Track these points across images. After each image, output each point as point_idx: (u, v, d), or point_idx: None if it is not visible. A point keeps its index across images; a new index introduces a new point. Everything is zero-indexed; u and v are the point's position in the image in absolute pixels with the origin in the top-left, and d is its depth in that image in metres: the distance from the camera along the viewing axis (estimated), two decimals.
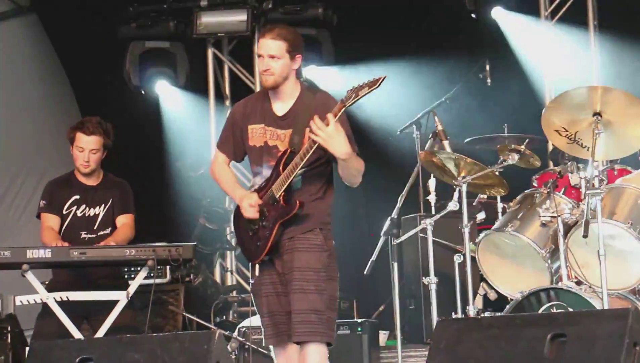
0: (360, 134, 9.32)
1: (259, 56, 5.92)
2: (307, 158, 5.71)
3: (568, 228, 6.80)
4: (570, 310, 6.48)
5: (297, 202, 5.81)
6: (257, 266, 6.03)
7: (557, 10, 10.14)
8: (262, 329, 6.06)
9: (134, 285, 6.81)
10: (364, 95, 5.60)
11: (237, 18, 10.29)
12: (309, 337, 5.83)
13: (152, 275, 6.85)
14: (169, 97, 10.60)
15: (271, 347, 6.09)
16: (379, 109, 9.31)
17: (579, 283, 6.79)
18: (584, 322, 4.85)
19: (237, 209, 6.01)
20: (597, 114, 6.51)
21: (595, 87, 7.06)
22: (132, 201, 7.52)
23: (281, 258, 5.94)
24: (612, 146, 6.67)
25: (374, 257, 7.54)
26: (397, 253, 7.61)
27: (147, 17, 10.36)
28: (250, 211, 5.91)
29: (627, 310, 4.83)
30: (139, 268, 6.82)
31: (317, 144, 5.64)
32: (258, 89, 10.04)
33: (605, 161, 7.68)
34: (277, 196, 5.85)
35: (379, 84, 5.59)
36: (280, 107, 6.00)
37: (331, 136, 5.62)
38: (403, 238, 7.56)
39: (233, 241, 9.44)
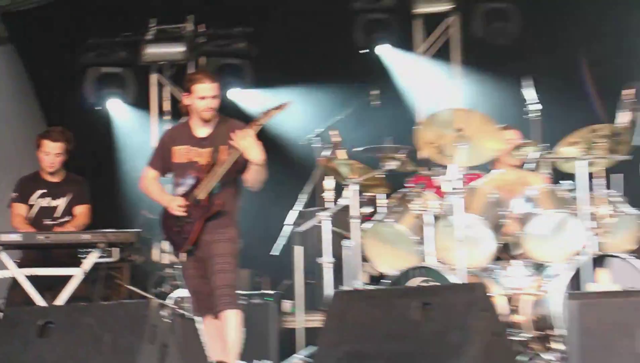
0: (273, 145, 9.39)
1: (203, 98, 6.03)
2: (225, 168, 5.92)
3: (434, 219, 6.86)
4: (435, 284, 6.54)
5: (219, 202, 5.98)
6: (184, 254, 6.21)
7: (430, 48, 10.23)
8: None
9: (88, 263, 6.76)
10: (273, 116, 5.81)
11: (177, 49, 10.25)
12: (230, 306, 5.96)
13: (103, 255, 6.80)
14: (119, 112, 10.51)
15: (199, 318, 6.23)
16: (289, 124, 9.33)
17: (442, 263, 6.86)
18: (445, 293, 4.91)
19: (163, 212, 6.21)
20: (458, 130, 6.57)
21: (458, 109, 7.13)
22: (88, 195, 7.53)
23: (203, 248, 6.10)
24: (470, 155, 6.74)
25: (281, 241, 7.58)
26: (301, 239, 7.64)
27: (103, 47, 10.31)
28: (179, 211, 6.05)
29: (478, 284, 4.93)
30: (92, 249, 6.76)
31: (238, 155, 5.81)
32: None
33: (464, 167, 7.77)
34: (200, 198, 6.04)
35: (285, 108, 5.81)
36: (202, 131, 6.17)
37: (251, 145, 5.79)
38: (305, 227, 7.59)
39: None
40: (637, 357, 4.11)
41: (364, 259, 7.37)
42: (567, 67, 9.37)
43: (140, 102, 10.50)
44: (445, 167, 7.23)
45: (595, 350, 4.18)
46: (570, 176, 6.79)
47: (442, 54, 10.16)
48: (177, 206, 6.09)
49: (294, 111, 9.48)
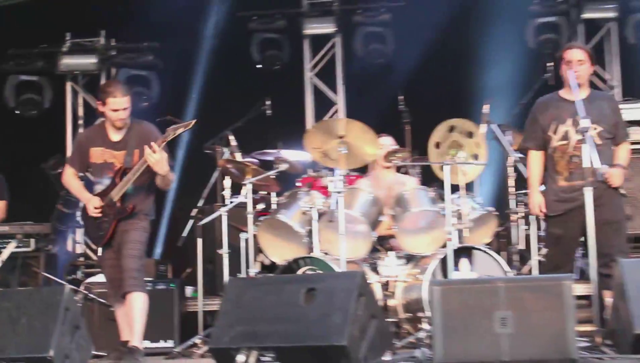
0: (179, 148, 9.31)
1: (115, 110, 5.97)
2: (138, 173, 5.89)
3: (320, 215, 6.88)
4: (320, 272, 6.57)
5: (131, 206, 6.02)
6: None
7: (317, 65, 10.30)
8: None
9: (6, 252, 6.57)
10: (180, 133, 5.86)
11: (89, 61, 10.10)
12: (136, 289, 5.92)
13: (20, 245, 6.62)
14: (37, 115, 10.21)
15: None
16: (194, 131, 9.25)
17: (326, 253, 6.89)
18: (328, 280, 4.94)
19: (83, 208, 6.15)
20: (341, 137, 6.60)
21: (341, 119, 7.18)
22: (5, 191, 7.29)
23: (117, 236, 6.06)
24: (351, 159, 6.78)
25: (184, 233, 7.51)
26: (203, 232, 7.58)
27: (23, 57, 10.08)
28: (94, 212, 6.06)
29: (357, 272, 4.96)
30: (10, 240, 6.57)
31: (146, 164, 5.84)
32: None
33: (346, 170, 7.84)
34: (115, 200, 6.01)
35: (191, 127, 5.85)
36: (116, 135, 6.12)
37: (157, 160, 5.80)
38: (205, 221, 7.52)
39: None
40: (493, 335, 4.20)
41: (258, 250, 7.36)
42: (436, 83, 9.57)
43: (56, 107, 10.25)
44: (330, 169, 7.28)
45: (456, 330, 4.25)
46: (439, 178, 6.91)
47: (327, 70, 10.26)
48: (93, 208, 6.06)
49: (198, 119, 9.47)
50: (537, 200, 5.96)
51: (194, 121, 5.87)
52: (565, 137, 5.78)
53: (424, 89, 9.45)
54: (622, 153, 5.84)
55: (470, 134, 6.62)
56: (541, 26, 9.57)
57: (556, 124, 5.81)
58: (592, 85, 6.53)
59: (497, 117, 7.61)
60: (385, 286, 6.80)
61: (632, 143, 6.43)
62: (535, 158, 5.99)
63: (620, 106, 6.88)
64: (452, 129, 6.61)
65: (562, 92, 5.91)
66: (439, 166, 6.71)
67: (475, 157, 6.67)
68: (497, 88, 9.02)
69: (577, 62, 5.78)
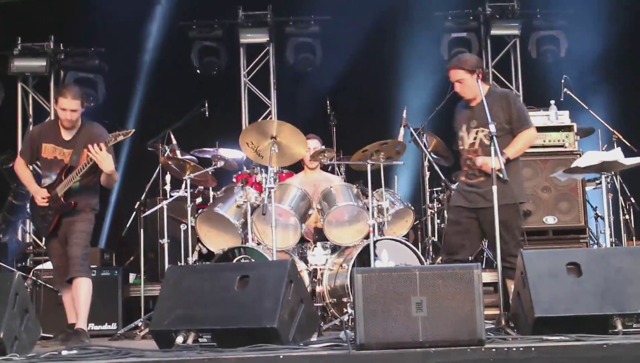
0: (125, 146, 9.17)
1: (64, 110, 5.85)
2: (83, 172, 5.79)
3: (253, 208, 6.85)
4: (253, 260, 6.54)
5: (73, 202, 5.92)
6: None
7: (250, 71, 10.27)
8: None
9: None
10: (120, 140, 5.78)
11: (39, 63, 9.86)
12: (81, 274, 5.84)
13: None
14: None
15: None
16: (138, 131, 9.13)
17: (259, 243, 6.87)
18: (261, 268, 4.91)
19: (32, 198, 6.02)
20: (273, 137, 6.58)
21: (273, 121, 7.13)
22: None
23: (64, 227, 5.96)
24: (282, 158, 6.76)
25: (128, 224, 7.41)
26: (145, 223, 7.50)
27: None
28: (42, 202, 5.94)
29: (287, 260, 4.94)
30: None
31: (92, 162, 5.74)
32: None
33: (278, 167, 7.82)
34: (60, 195, 5.91)
35: (130, 135, 5.80)
36: (67, 134, 6.00)
37: (103, 158, 5.69)
38: (148, 212, 7.43)
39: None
40: (410, 319, 4.23)
41: (196, 240, 7.30)
42: (360, 89, 9.64)
43: (8, 106, 9.99)
44: (263, 167, 7.26)
45: (376, 313, 4.26)
46: (363, 176, 6.94)
47: (261, 76, 10.24)
48: (40, 199, 5.94)
49: (142, 118, 9.35)
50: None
51: (132, 130, 5.84)
52: (462, 142, 5.84)
53: (349, 94, 9.51)
54: (514, 141, 5.69)
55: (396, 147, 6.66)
56: (454, 40, 9.70)
57: (457, 130, 5.89)
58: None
59: (415, 121, 7.69)
60: (313, 273, 6.81)
61: (530, 147, 6.56)
62: None
63: None
64: (384, 144, 6.67)
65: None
66: (361, 165, 6.75)
67: (394, 158, 6.74)
68: (415, 95, 9.11)
69: (456, 82, 5.74)
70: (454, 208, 5.85)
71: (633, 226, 7.77)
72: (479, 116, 5.68)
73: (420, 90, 9.24)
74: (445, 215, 7.77)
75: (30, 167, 6.20)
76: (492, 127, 5.43)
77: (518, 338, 4.58)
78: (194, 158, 8.20)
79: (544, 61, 9.70)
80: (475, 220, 5.72)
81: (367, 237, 6.68)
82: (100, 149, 5.73)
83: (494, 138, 5.43)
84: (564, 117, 6.90)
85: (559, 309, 4.54)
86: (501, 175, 5.38)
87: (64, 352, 4.58)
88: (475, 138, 5.72)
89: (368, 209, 6.57)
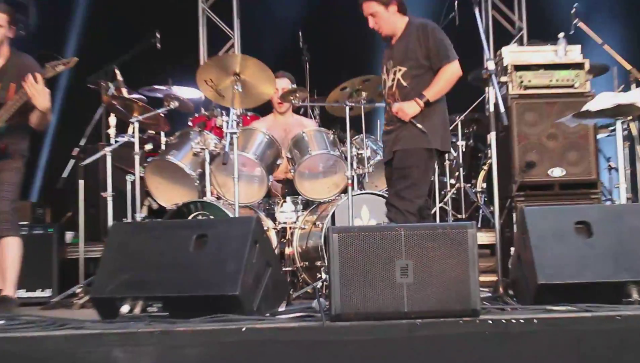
0: (61, 83, 9.03)
1: None
2: (13, 110, 5.66)
3: (213, 157, 6.81)
4: (212, 217, 6.52)
5: (3, 146, 5.78)
6: None
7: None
8: None
9: None
10: (60, 71, 5.66)
11: None
12: (9, 232, 5.77)
13: None
14: None
15: None
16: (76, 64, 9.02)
17: (219, 198, 6.84)
18: (220, 226, 4.88)
19: None
20: (236, 74, 6.51)
21: (236, 55, 7.05)
22: None
23: None
24: (247, 98, 6.70)
25: (64, 174, 7.32)
26: (85, 173, 7.43)
27: None
28: None
29: (251, 217, 4.92)
30: None
31: (25, 99, 5.59)
32: None
33: (242, 109, 7.76)
34: None
35: (72, 65, 5.64)
36: None
37: (39, 92, 5.58)
38: (88, 161, 7.35)
39: None
40: (393, 285, 4.22)
41: (145, 193, 7.24)
42: (338, 18, 9.54)
43: None
44: (224, 108, 7.20)
45: (355, 279, 4.25)
46: (340, 120, 6.89)
47: (223, 1, 10.13)
48: None
49: (82, 50, 9.20)
50: None
51: (75, 59, 5.67)
52: (384, 85, 5.89)
53: (325, 24, 9.41)
54: (435, 80, 5.67)
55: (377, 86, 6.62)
56: None
57: (382, 73, 5.93)
58: (498, 27, 6.42)
59: None
60: (281, 233, 6.81)
61: (534, 88, 6.56)
62: None
63: (523, 49, 6.99)
64: (365, 80, 6.61)
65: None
66: (339, 107, 6.70)
67: (376, 100, 6.70)
68: None
69: (369, 16, 5.75)
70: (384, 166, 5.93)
71: None
72: (396, 54, 5.73)
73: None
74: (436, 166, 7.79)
75: None
76: (491, 64, 5.42)
77: (518, 309, 4.60)
78: (143, 97, 8.09)
79: None
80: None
81: (344, 191, 6.66)
82: (36, 81, 5.58)
83: (407, 78, 5.53)
84: (574, 53, 6.87)
85: (565, 275, 4.56)
86: (419, 126, 5.50)
87: None
88: (393, 80, 5.74)
89: (346, 158, 6.54)
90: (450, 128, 8.32)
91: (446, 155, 7.87)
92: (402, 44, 5.72)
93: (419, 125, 5.56)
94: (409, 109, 5.62)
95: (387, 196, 6.35)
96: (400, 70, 5.70)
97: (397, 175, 5.66)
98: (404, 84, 5.66)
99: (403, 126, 5.66)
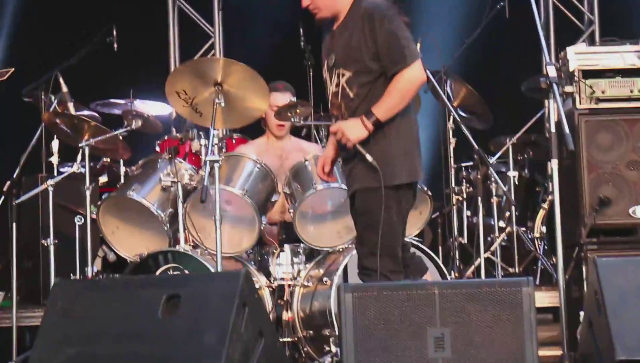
0: None
1: None
2: None
3: (187, 193, 6.84)
4: (186, 272, 6.53)
5: None
6: None
7: None
8: None
9: None
10: None
11: None
12: None
13: None
14: None
15: None
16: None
17: (195, 246, 6.86)
18: (198, 283, 4.91)
19: None
20: (218, 84, 6.56)
21: (218, 59, 7.10)
22: None
23: None
24: (232, 116, 6.74)
25: None
26: (19, 214, 7.46)
27: None
28: None
29: (239, 272, 4.94)
30: None
31: None
32: None
33: (226, 130, 7.81)
34: None
35: (8, 76, 5.67)
36: None
37: None
38: (23, 198, 7.39)
39: None
40: (423, 359, 4.24)
41: (100, 240, 7.27)
42: None
43: None
44: (202, 129, 7.23)
45: (375, 353, 4.28)
46: None
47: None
48: None
49: (14, 52, 9.29)
50: (324, 154, 5.70)
51: (11, 70, 5.74)
52: (326, 89, 5.47)
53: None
54: (387, 91, 5.23)
55: None
56: None
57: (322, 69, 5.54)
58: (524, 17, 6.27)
59: (433, 62, 7.67)
60: (278, 292, 6.82)
61: (609, 100, 6.59)
62: None
63: (595, 50, 7.03)
64: None
65: None
66: None
67: None
68: (433, 21, 9.11)
69: None
70: None
71: None
72: (337, 49, 5.34)
73: (442, 13, 9.25)
74: (479, 203, 7.81)
75: None
76: (552, 70, 5.44)
77: None
78: (95, 114, 8.14)
79: None
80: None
81: None
82: None
83: (354, 87, 5.23)
84: None
85: None
86: (367, 157, 5.18)
87: None
88: (337, 85, 5.35)
89: None
90: (499, 153, 8.47)
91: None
92: (343, 36, 5.31)
93: (367, 156, 5.19)
94: (352, 131, 5.21)
95: (414, 242, 6.38)
96: (343, 74, 5.31)
97: (363, 224, 5.40)
98: (350, 94, 5.28)
99: (357, 155, 5.29)
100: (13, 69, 5.77)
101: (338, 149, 5.51)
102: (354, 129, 5.21)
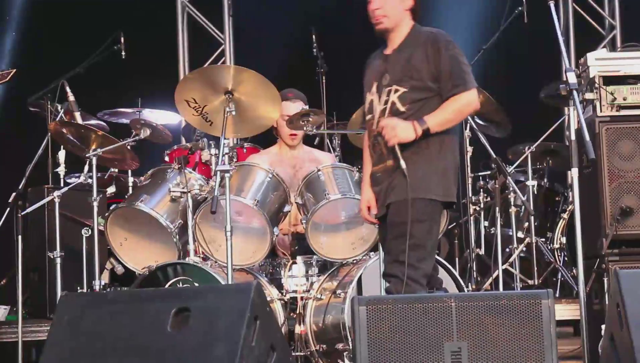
0: None
1: None
2: None
3: (197, 203, 6.84)
4: (196, 284, 6.53)
5: None
6: None
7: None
8: None
9: None
10: None
11: None
12: None
13: None
14: None
15: None
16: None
17: (205, 258, 6.86)
18: (208, 296, 4.90)
19: None
20: (228, 92, 6.57)
21: (229, 66, 7.12)
22: None
23: None
24: (243, 125, 6.75)
25: None
26: (25, 226, 7.46)
27: None
28: None
29: (250, 284, 4.94)
30: None
31: None
32: None
33: (236, 139, 7.82)
34: None
35: (10, 78, 5.69)
36: None
37: None
38: (29, 209, 7.40)
39: None
40: None
41: (108, 252, 7.27)
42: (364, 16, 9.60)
43: None
44: (212, 138, 7.24)
45: None
46: None
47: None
48: None
49: (20, 60, 9.32)
50: (365, 197, 5.87)
51: (13, 71, 5.74)
52: (370, 109, 5.76)
53: (347, 25, 9.47)
54: (443, 106, 5.59)
55: None
56: None
57: (365, 92, 5.82)
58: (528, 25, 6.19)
59: None
60: (290, 305, 6.83)
61: (631, 107, 6.58)
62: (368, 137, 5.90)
63: (616, 55, 7.02)
64: None
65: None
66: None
67: None
68: (450, 26, 9.09)
69: None
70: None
71: None
72: (393, 68, 5.67)
73: (460, 18, 9.25)
74: (497, 214, 7.80)
75: None
76: (572, 76, 5.44)
77: None
78: (103, 123, 8.16)
79: None
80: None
81: (375, 249, 6.68)
82: None
83: (405, 102, 5.51)
84: None
85: None
86: (401, 162, 5.45)
87: None
88: (386, 102, 5.66)
89: None
90: (518, 162, 8.46)
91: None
92: (402, 56, 5.64)
93: (402, 161, 5.46)
94: (401, 129, 5.49)
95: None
96: (397, 90, 5.61)
97: (393, 234, 5.53)
98: (401, 108, 5.57)
99: (395, 171, 5.56)
100: (15, 70, 5.77)
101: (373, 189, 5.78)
102: (404, 129, 5.51)
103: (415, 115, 5.55)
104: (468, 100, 5.61)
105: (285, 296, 6.84)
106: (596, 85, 6.65)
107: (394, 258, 5.49)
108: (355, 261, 6.81)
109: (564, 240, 8.58)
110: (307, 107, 7.52)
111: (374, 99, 5.74)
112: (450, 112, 5.57)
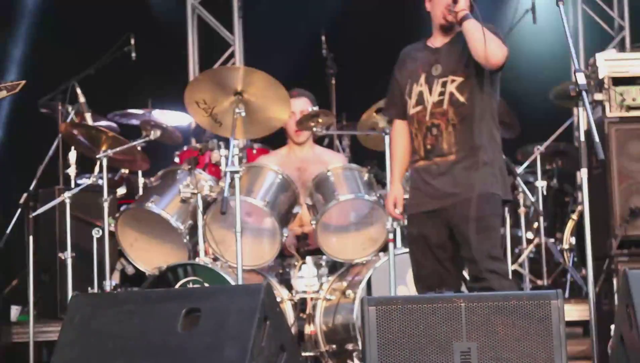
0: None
1: None
2: None
3: (207, 204, 6.85)
4: (206, 285, 6.54)
5: None
6: None
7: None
8: None
9: None
10: (3, 97, 5.75)
11: None
12: None
13: None
14: None
15: None
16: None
17: (215, 259, 6.87)
18: (218, 297, 4.91)
19: None
20: (238, 93, 6.57)
21: (238, 67, 7.11)
22: None
23: None
24: (253, 126, 6.75)
25: (8, 230, 7.41)
26: (36, 227, 7.48)
27: None
28: None
29: (260, 285, 4.95)
30: None
31: None
32: None
33: (246, 140, 7.83)
34: None
35: (20, 89, 5.73)
36: None
37: None
38: (40, 210, 7.42)
39: None
40: None
41: (118, 253, 7.28)
42: (372, 18, 9.63)
43: None
44: (222, 139, 7.25)
45: None
46: (378, 154, 6.94)
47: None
48: None
49: (31, 63, 9.33)
50: (393, 192, 5.83)
51: (22, 83, 5.77)
52: (420, 101, 5.72)
53: (356, 27, 9.48)
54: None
55: None
56: None
57: (411, 84, 5.77)
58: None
59: None
60: (300, 306, 6.84)
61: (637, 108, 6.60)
62: (400, 131, 5.87)
63: (626, 56, 7.02)
64: None
65: (432, 38, 5.84)
66: (376, 136, 6.75)
67: None
68: None
69: None
70: (412, 218, 5.74)
71: None
72: (447, 59, 5.67)
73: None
74: (506, 214, 7.79)
75: None
76: (581, 77, 5.43)
77: None
78: (114, 124, 8.17)
79: None
80: (445, 228, 5.61)
81: (384, 249, 6.68)
82: None
83: (464, 92, 5.54)
84: None
85: None
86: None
87: None
88: (442, 93, 5.64)
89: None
90: (527, 163, 8.47)
91: None
92: (455, 47, 5.66)
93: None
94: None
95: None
96: (453, 80, 5.62)
97: (475, 228, 5.50)
98: (461, 99, 5.58)
99: (462, 156, 5.59)
100: (24, 81, 5.78)
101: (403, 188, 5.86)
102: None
103: (476, 105, 5.59)
104: (500, 44, 5.58)
105: (295, 296, 6.85)
106: (605, 86, 6.65)
107: (486, 253, 5.47)
108: (364, 262, 6.82)
109: (573, 240, 8.57)
110: (313, 105, 7.52)
111: (423, 90, 5.71)
112: (485, 35, 5.52)
